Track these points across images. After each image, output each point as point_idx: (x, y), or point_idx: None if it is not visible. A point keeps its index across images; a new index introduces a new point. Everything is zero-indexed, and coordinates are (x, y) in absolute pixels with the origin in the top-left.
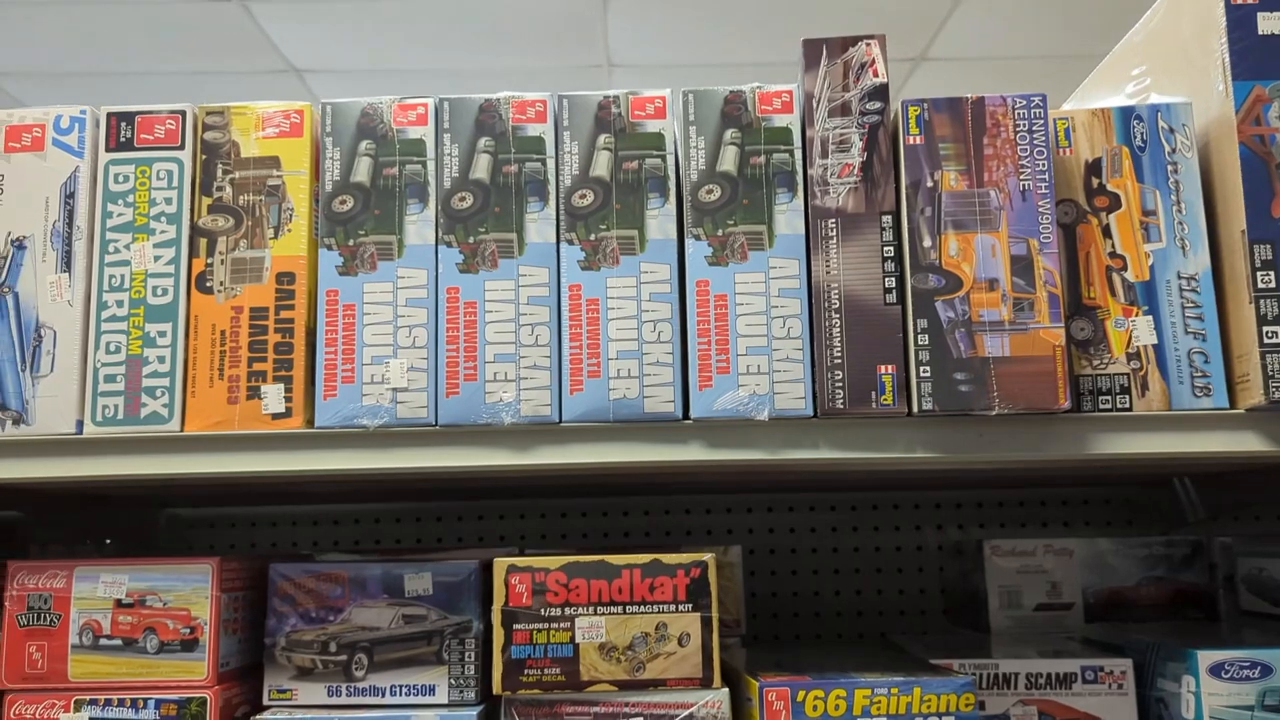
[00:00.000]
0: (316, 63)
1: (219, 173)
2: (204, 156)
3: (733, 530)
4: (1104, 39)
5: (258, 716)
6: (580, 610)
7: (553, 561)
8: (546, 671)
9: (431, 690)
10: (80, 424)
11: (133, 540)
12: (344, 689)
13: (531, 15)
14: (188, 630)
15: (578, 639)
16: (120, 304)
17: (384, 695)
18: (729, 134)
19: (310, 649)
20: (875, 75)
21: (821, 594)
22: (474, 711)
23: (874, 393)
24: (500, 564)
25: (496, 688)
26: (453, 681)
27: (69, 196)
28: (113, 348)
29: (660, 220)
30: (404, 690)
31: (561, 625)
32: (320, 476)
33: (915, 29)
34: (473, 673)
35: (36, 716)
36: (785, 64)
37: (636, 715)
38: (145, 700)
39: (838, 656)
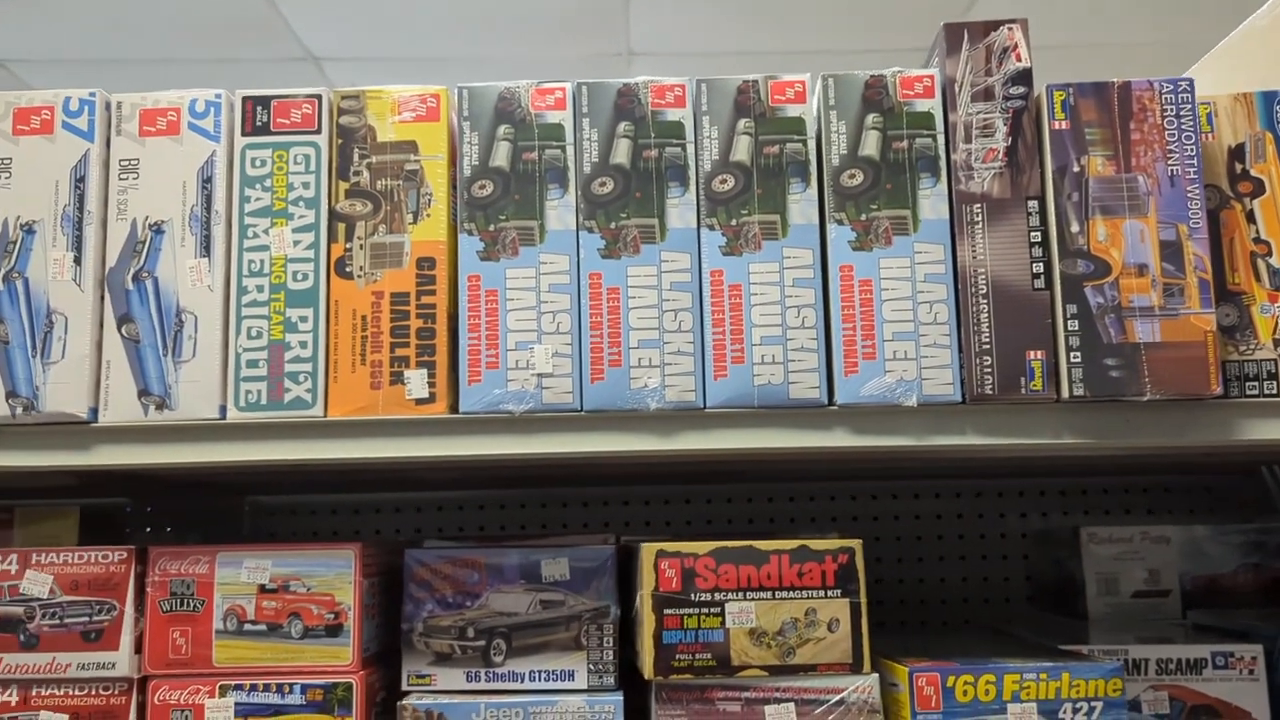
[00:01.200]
0: (335, 50)
1: (355, 157)
2: (340, 141)
3: (816, 519)
4: (1123, 29)
5: (404, 701)
6: (730, 595)
7: (701, 547)
8: (698, 657)
9: (571, 675)
10: (223, 409)
11: (217, 527)
12: (483, 674)
13: (554, 2)
14: (332, 615)
15: (728, 624)
16: (260, 289)
17: (523, 680)
18: (870, 119)
19: (448, 634)
20: (1018, 60)
21: (906, 581)
22: (619, 697)
23: (1023, 378)
24: (649, 549)
25: (647, 672)
26: (592, 667)
27: (206, 181)
28: (254, 333)
29: (802, 205)
30: (543, 675)
31: (712, 610)
32: (464, 462)
33: (938, 16)
34: (611, 658)
35: (181, 702)
36: (807, 53)
37: (787, 700)
38: (291, 685)
39: (957, 642)
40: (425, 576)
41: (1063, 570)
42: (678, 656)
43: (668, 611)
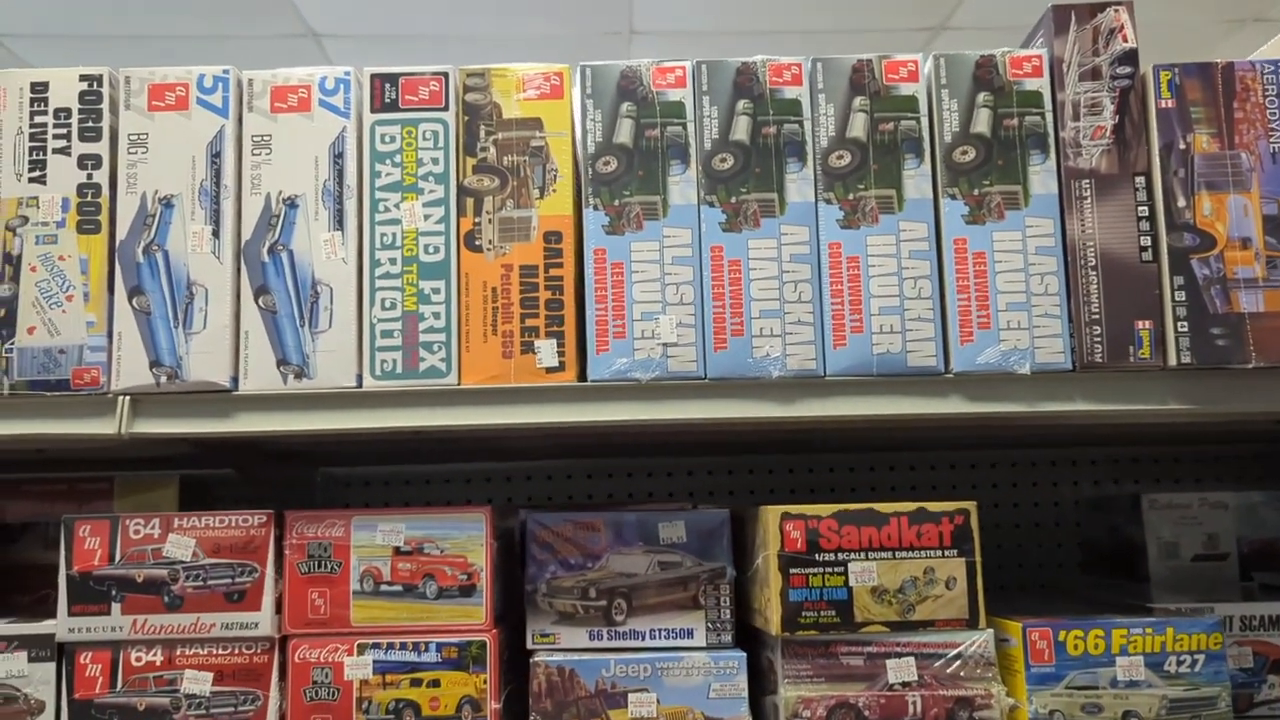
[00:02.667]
0: (336, 27)
1: (482, 133)
2: (466, 118)
3: (875, 488)
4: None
5: (535, 658)
6: (853, 555)
7: (823, 509)
8: (823, 613)
9: (690, 634)
10: (360, 378)
11: (292, 498)
12: (605, 633)
13: None
14: (465, 576)
15: (851, 582)
16: (393, 261)
17: (644, 639)
18: (981, 97)
19: (571, 595)
20: (1124, 40)
21: None
22: (742, 653)
23: (1131, 347)
24: (773, 512)
25: (774, 629)
26: (710, 625)
27: (338, 156)
28: (388, 304)
29: (917, 180)
30: (663, 634)
31: (835, 569)
32: (593, 428)
33: None
34: (729, 617)
35: (320, 660)
36: (805, 33)
37: (908, 654)
38: (427, 643)
39: (1038, 602)
40: (547, 539)
41: (1121, 536)
42: (803, 613)
43: (793, 571)
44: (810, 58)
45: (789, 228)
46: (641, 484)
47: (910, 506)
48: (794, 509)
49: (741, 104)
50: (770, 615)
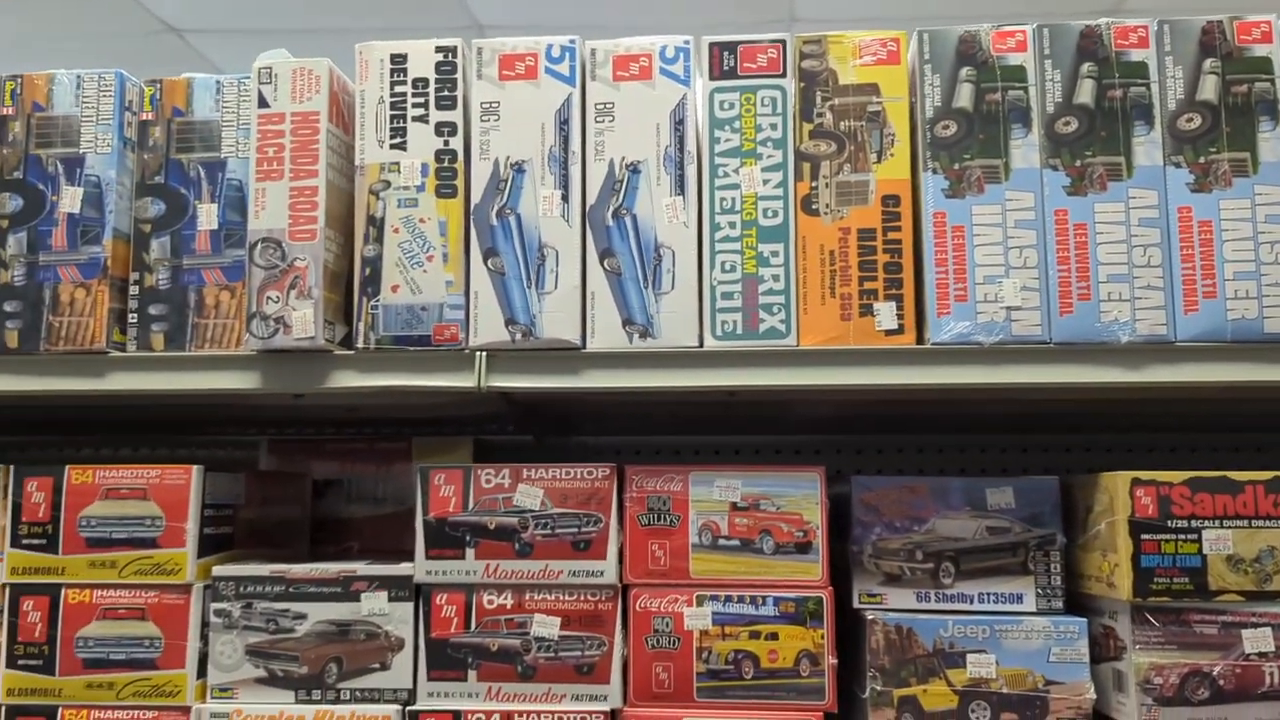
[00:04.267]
0: (501, 19)
1: (818, 99)
2: (802, 84)
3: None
4: None
5: (872, 616)
6: (1207, 523)
7: (1175, 476)
8: (1175, 581)
9: (1019, 599)
10: (700, 338)
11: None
12: (932, 595)
13: None
14: (801, 533)
15: (1205, 550)
16: (732, 225)
17: (972, 602)
18: None
19: (897, 556)
20: None
21: None
22: (1083, 619)
23: None
24: (1121, 477)
25: (1125, 595)
26: (1040, 591)
27: (678, 123)
28: (728, 266)
29: (1272, 143)
30: (992, 598)
31: (1189, 537)
32: (932, 391)
33: None
34: (1059, 583)
35: (661, 610)
36: (969, 19)
37: (1264, 625)
38: (764, 597)
39: None
40: (872, 501)
41: None
42: (1156, 580)
43: (1144, 537)
44: (1157, 19)
45: (1137, 191)
46: (933, 459)
47: (1266, 475)
48: (1144, 475)
49: (1085, 67)
50: (1119, 581)
